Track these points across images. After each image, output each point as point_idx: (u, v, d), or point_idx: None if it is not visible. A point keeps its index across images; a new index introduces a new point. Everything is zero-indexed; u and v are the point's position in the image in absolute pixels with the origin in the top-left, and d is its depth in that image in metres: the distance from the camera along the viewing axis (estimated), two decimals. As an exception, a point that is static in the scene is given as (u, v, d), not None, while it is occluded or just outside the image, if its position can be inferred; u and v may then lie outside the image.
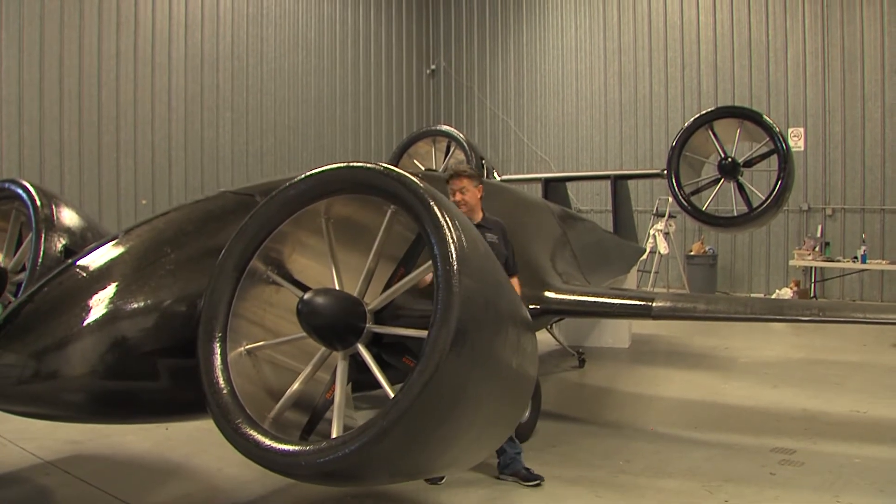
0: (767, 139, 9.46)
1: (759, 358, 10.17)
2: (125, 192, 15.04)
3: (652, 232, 15.22)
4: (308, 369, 3.86)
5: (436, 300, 3.35)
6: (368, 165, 3.83)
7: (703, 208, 9.72)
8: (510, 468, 5.46)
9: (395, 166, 3.95)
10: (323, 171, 3.95)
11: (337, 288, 3.88)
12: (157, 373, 4.11)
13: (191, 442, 6.40)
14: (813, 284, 15.06)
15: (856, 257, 14.47)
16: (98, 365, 3.87)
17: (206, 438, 6.33)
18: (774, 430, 6.83)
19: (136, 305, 4.04)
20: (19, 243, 5.90)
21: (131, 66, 15.12)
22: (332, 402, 3.82)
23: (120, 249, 4.32)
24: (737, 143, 9.80)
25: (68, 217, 5.55)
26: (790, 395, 8.11)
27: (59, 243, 5.27)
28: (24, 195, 5.53)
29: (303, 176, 3.99)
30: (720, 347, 10.70)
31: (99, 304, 3.95)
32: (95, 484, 5.57)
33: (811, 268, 15.10)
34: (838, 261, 14.87)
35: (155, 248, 4.33)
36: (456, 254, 3.39)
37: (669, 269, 16.71)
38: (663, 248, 14.86)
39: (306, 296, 3.69)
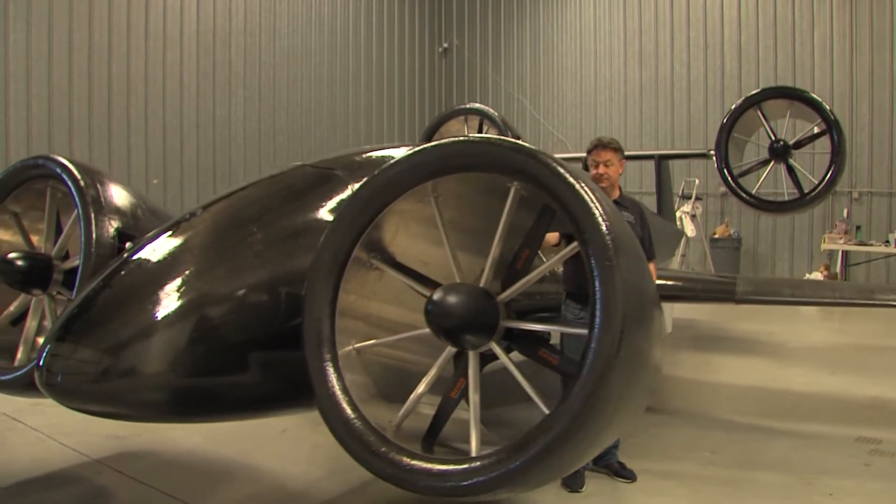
0: (819, 120, 9.17)
1: (806, 343, 10.00)
2: (136, 171, 14.56)
3: (678, 214, 14.90)
4: (434, 371, 3.51)
5: (594, 300, 3.00)
6: (494, 139, 3.41)
7: (754, 191, 9.44)
8: (604, 460, 5.19)
9: None
10: (435, 147, 3.51)
11: (457, 277, 3.49)
12: (249, 366, 3.68)
13: (244, 436, 5.99)
14: (841, 269, 14.82)
15: (888, 241, 14.22)
16: (185, 359, 3.47)
17: (259, 433, 6.02)
18: (850, 419, 6.61)
19: (224, 292, 3.64)
20: (57, 226, 5.45)
21: (142, 41, 14.65)
22: (457, 401, 3.50)
23: (200, 229, 3.92)
24: (787, 124, 9.51)
25: (117, 196, 4.95)
26: (852, 382, 7.89)
27: (112, 227, 4.71)
28: (63, 174, 4.91)
29: (411, 152, 3.54)
30: (763, 332, 10.46)
31: (183, 292, 3.54)
32: (152, 484, 5.19)
33: (839, 252, 14.85)
34: (871, 245, 14.59)
35: (239, 228, 3.93)
36: (613, 247, 3.01)
37: (692, 251, 16.44)
38: (690, 230, 14.56)
39: (436, 296, 3.31)
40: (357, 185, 4.41)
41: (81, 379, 3.37)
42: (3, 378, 4.58)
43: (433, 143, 3.55)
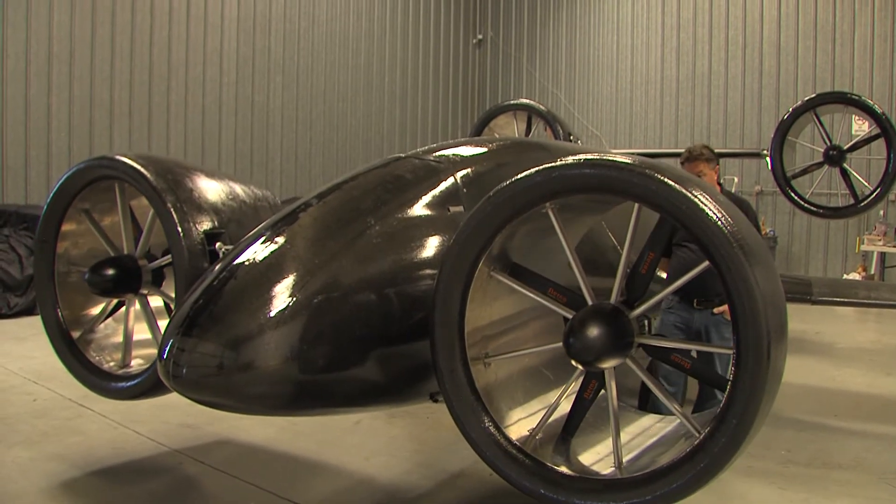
0: (875, 125, 9.18)
1: (855, 344, 10.03)
2: (174, 156, 14.62)
3: (716, 213, 14.85)
4: (571, 385, 3.54)
5: (736, 320, 2.99)
6: (619, 162, 3.22)
7: (808, 195, 9.46)
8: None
9: None
10: (556, 168, 3.33)
11: (588, 298, 3.42)
12: (367, 361, 3.63)
13: (318, 428, 5.98)
14: (878, 270, 14.80)
15: (926, 244, 14.23)
16: (309, 353, 3.41)
17: (333, 424, 6.02)
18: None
19: (347, 285, 3.57)
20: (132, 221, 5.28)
21: (183, 26, 14.71)
22: (591, 402, 3.54)
23: (318, 220, 3.82)
24: (843, 128, 9.53)
25: (196, 191, 4.60)
26: (910, 384, 7.95)
27: (199, 232, 4.43)
28: (136, 180, 4.53)
29: (532, 171, 3.40)
30: (810, 332, 10.44)
31: (306, 284, 3.47)
32: (238, 475, 5.15)
33: (876, 253, 14.83)
34: (913, 246, 14.56)
35: (357, 220, 3.83)
36: (753, 277, 2.93)
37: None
38: (727, 230, 14.51)
39: (576, 328, 3.24)
40: (460, 176, 4.44)
41: (207, 372, 3.33)
42: (123, 385, 4.65)
43: (556, 164, 3.36)
